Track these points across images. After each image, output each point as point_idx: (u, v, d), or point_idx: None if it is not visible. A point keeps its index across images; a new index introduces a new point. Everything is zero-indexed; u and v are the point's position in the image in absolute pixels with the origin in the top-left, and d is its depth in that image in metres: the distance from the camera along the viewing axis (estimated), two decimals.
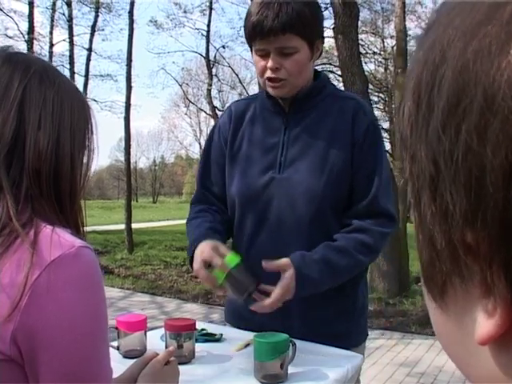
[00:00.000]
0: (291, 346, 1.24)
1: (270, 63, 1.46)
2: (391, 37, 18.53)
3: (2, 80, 0.82)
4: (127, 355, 1.35)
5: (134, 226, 12.79)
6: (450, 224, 0.26)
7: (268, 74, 1.48)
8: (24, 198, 0.79)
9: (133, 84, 13.12)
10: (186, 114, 33.18)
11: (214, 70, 16.88)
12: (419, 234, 0.30)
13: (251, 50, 1.53)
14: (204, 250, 1.39)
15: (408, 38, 10.01)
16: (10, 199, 0.77)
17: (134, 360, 1.00)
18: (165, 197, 64.37)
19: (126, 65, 13.11)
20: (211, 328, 1.59)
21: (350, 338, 1.56)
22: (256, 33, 1.43)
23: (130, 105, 12.79)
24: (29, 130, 0.82)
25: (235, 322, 1.66)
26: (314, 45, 1.49)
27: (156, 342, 1.45)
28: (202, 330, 1.57)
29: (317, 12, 1.51)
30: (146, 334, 1.39)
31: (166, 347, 1.33)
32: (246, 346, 1.44)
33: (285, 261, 1.38)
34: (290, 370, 1.24)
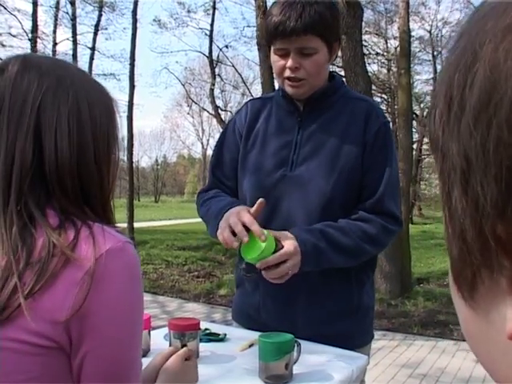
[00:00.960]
0: (296, 347, 1.23)
1: (289, 63, 1.47)
2: (394, 38, 18.55)
3: (16, 104, 0.83)
4: None
5: (135, 225, 12.80)
6: (480, 215, 0.27)
7: (287, 73, 1.50)
8: (60, 216, 0.82)
9: (136, 83, 13.14)
10: (188, 113, 33.21)
11: (216, 70, 16.88)
12: (448, 228, 0.31)
13: (269, 50, 1.55)
14: (241, 212, 1.37)
15: (411, 39, 10.00)
16: (45, 226, 0.79)
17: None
18: (167, 196, 64.39)
19: (129, 64, 13.14)
20: (215, 328, 1.59)
21: (354, 338, 1.55)
22: (278, 32, 1.45)
23: (132, 104, 12.80)
24: (46, 151, 0.83)
25: (242, 320, 1.66)
26: (332, 47, 1.51)
27: (159, 341, 1.44)
28: (206, 329, 1.57)
29: (337, 15, 1.54)
30: (149, 333, 1.38)
31: (170, 346, 1.33)
32: (250, 345, 1.43)
33: (285, 232, 1.38)
34: (295, 370, 1.23)
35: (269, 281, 1.38)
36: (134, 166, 14.27)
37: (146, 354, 1.36)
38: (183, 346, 1.32)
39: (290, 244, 1.35)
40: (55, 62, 0.91)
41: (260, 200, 1.38)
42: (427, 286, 8.03)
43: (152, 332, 1.47)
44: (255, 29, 11.00)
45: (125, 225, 12.35)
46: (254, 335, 1.51)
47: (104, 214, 0.89)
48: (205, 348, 1.40)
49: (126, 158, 13.07)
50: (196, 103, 21.16)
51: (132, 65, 12.97)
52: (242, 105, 1.76)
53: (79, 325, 0.75)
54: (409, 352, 4.74)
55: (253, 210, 1.38)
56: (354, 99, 1.60)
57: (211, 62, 15.53)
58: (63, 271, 0.75)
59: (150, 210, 31.46)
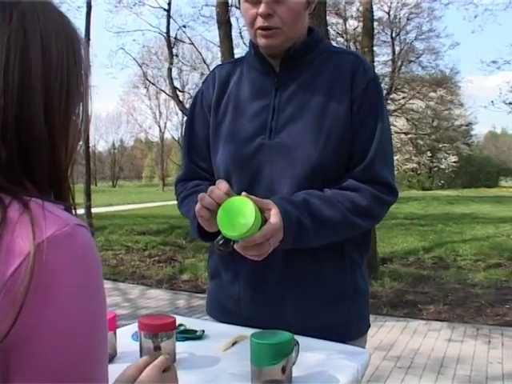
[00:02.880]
0: (294, 346, 1.03)
1: (261, 9, 1.26)
2: (354, 18, 18.47)
3: None
4: None
5: (93, 210, 12.44)
6: None
7: (259, 23, 1.29)
8: None
9: (91, 63, 12.61)
10: (145, 95, 32.45)
11: (174, 50, 16.43)
12: None
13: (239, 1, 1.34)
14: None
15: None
16: None
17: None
18: (124, 180, 63.54)
19: None
20: (190, 323, 1.37)
21: (351, 328, 1.37)
22: None
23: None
24: None
25: (219, 314, 1.45)
26: None
27: (127, 342, 1.22)
28: (180, 325, 1.35)
29: None
30: (115, 334, 1.16)
31: (141, 349, 1.11)
32: (234, 343, 1.23)
33: (267, 200, 1.17)
34: (294, 372, 1.03)
35: (247, 266, 1.19)
36: (90, 150, 13.80)
37: (112, 358, 1.14)
38: (156, 348, 1.10)
39: (274, 218, 1.14)
40: None
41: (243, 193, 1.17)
42: (391, 266, 7.99)
43: (118, 330, 1.25)
44: (214, 7, 10.64)
45: (82, 210, 12.00)
46: (236, 330, 1.31)
47: (59, 194, 0.66)
48: (181, 348, 1.19)
49: (82, 142, 12.59)
50: (153, 84, 20.52)
51: (87, 44, 12.45)
52: (209, 72, 1.54)
53: (6, 358, 0.51)
54: (380, 334, 4.64)
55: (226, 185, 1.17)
56: (337, 53, 1.39)
57: (169, 41, 15.09)
58: None
59: (108, 195, 30.78)
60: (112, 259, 9.18)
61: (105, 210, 18.27)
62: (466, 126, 39.43)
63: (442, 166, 36.34)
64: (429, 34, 21.13)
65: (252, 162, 1.32)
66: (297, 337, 1.23)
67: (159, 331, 1.08)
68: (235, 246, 1.11)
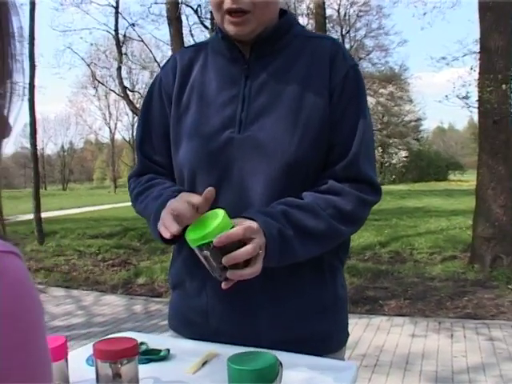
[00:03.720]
0: (279, 369, 0.89)
1: None
2: (305, 15, 18.53)
3: None
4: None
5: (43, 215, 12.00)
6: None
7: (227, 4, 1.14)
8: None
9: (36, 63, 12.14)
10: (94, 95, 31.71)
11: (123, 49, 16.07)
12: None
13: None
14: (184, 195, 1.08)
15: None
16: None
17: None
18: (75, 183, 62.20)
19: (28, 43, 12.11)
20: (152, 341, 1.22)
21: (332, 339, 1.25)
22: None
23: (34, 86, 11.83)
24: None
25: (182, 328, 1.31)
26: None
27: (81, 367, 1.06)
28: (141, 344, 1.21)
29: None
30: (67, 362, 1.00)
31: (98, 378, 0.96)
32: (204, 363, 1.09)
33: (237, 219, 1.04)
34: None
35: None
36: (38, 153, 13.32)
37: None
38: (116, 375, 0.95)
39: (247, 222, 1.02)
40: None
41: (209, 188, 1.03)
42: (349, 262, 7.96)
43: (70, 354, 1.09)
44: (164, 4, 10.41)
45: (31, 216, 11.56)
46: (205, 347, 1.17)
47: None
48: (145, 372, 1.04)
49: (29, 145, 12.11)
50: (103, 84, 20.12)
51: (31, 43, 11.95)
52: (169, 57, 1.39)
53: None
54: None
55: (200, 198, 1.04)
56: (313, 38, 1.26)
57: (118, 39, 14.75)
58: None
59: (58, 199, 29.89)
60: (64, 265, 8.86)
61: (56, 214, 17.73)
62: (416, 121, 40.31)
63: (393, 161, 36.98)
64: (378, 32, 21.49)
65: (220, 159, 1.17)
66: (273, 352, 1.11)
67: (119, 358, 0.92)
68: (228, 275, 1.00)
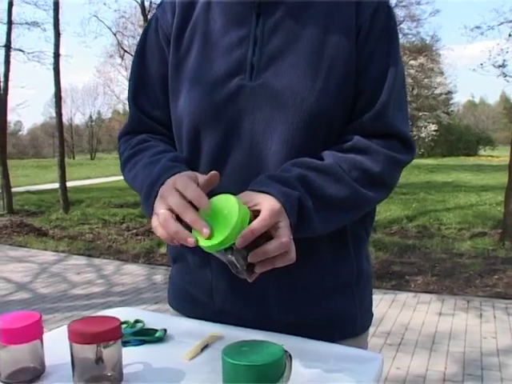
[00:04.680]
0: (287, 361, 0.73)
1: None
2: None
3: None
4: (10, 382, 0.83)
5: (70, 184, 12.10)
6: None
7: None
8: None
9: (62, 32, 12.02)
10: (121, 64, 31.59)
11: (149, 17, 15.87)
12: None
13: None
14: (181, 183, 0.83)
15: None
16: None
17: None
18: (103, 153, 62.65)
19: (53, 10, 11.98)
20: (150, 319, 1.08)
21: (353, 322, 1.09)
22: None
23: (59, 54, 11.75)
24: None
25: (183, 307, 1.16)
26: None
27: (61, 348, 0.92)
28: (137, 322, 1.07)
29: None
30: (42, 343, 0.86)
31: (73, 365, 0.82)
32: (203, 348, 0.94)
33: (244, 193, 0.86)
34: None
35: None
36: (66, 123, 13.33)
37: (39, 375, 0.85)
38: (98, 359, 0.81)
39: (266, 203, 0.83)
40: None
41: (213, 172, 0.85)
42: (375, 235, 7.77)
43: (47, 335, 0.96)
44: None
45: (57, 185, 11.62)
46: (207, 328, 1.03)
47: None
48: (134, 357, 0.90)
49: (55, 114, 12.09)
50: (129, 53, 19.91)
51: (56, 11, 11.82)
52: None
53: None
54: None
55: (203, 180, 0.86)
56: None
57: (143, 7, 14.57)
58: None
59: (86, 168, 30.14)
60: (88, 233, 8.89)
61: (82, 184, 17.87)
62: (446, 94, 39.36)
63: (422, 135, 36.23)
64: (410, 1, 20.80)
65: (227, 111, 0.99)
66: (284, 337, 0.96)
67: (97, 342, 0.78)
68: (249, 258, 0.81)
